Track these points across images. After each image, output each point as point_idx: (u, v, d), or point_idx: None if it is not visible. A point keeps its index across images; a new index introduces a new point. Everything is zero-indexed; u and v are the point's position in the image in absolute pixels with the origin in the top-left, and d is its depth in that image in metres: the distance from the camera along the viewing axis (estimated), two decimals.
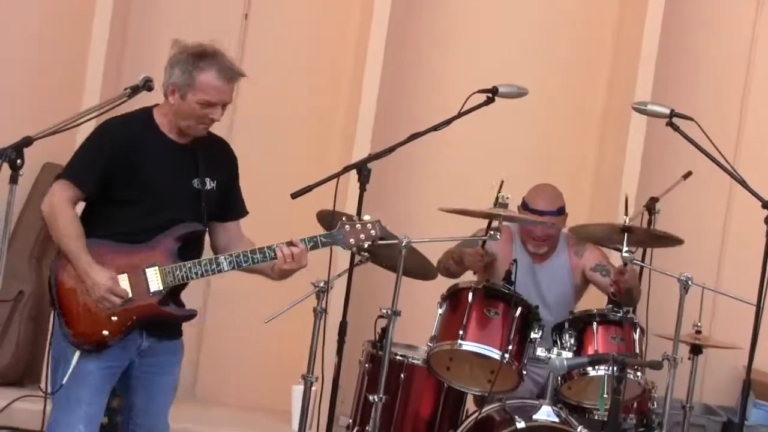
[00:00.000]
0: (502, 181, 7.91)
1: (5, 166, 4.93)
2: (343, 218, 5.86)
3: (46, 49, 9.57)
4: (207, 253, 5.95)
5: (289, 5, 10.06)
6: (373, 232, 5.82)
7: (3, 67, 9.47)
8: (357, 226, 5.80)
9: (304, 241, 5.67)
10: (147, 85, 5.41)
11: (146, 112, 5.71)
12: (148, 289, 5.59)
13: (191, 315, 5.81)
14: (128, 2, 9.54)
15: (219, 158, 5.95)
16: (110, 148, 5.58)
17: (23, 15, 9.58)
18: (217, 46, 5.74)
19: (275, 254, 5.64)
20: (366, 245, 5.96)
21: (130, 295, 5.54)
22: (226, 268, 5.64)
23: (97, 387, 5.71)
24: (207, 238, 6.06)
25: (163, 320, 5.73)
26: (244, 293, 9.07)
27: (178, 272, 5.60)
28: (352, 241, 5.80)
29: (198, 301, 9.51)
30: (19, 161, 4.99)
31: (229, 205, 5.96)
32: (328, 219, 7.54)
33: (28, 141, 5.12)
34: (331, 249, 7.35)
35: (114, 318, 5.59)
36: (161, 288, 5.59)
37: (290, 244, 5.63)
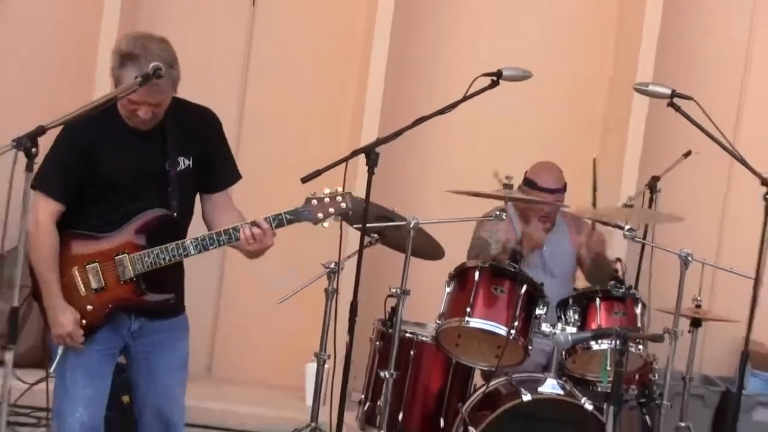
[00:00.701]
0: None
1: (21, 154, 5.01)
2: (310, 193, 5.72)
3: (58, 40, 9.59)
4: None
5: None
6: (343, 204, 5.73)
7: (16, 59, 9.48)
8: (325, 200, 5.68)
9: (268, 220, 5.56)
10: (157, 73, 5.32)
11: (113, 105, 5.52)
12: (119, 277, 5.60)
13: (166, 300, 5.74)
14: None
15: (193, 132, 5.84)
16: (73, 153, 5.56)
17: (35, 7, 9.64)
18: (153, 44, 5.52)
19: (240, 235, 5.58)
20: (336, 219, 5.78)
21: (82, 342, 5.57)
22: (192, 252, 5.59)
23: (91, 370, 5.75)
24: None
25: (149, 306, 5.74)
26: (258, 275, 9.11)
27: (146, 259, 5.57)
28: (320, 215, 5.68)
29: (213, 284, 9.66)
30: (33, 150, 4.96)
31: (209, 175, 5.89)
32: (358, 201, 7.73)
33: (41, 130, 5.13)
34: (341, 231, 7.49)
35: (90, 307, 5.63)
36: (132, 275, 5.59)
37: (254, 224, 5.55)
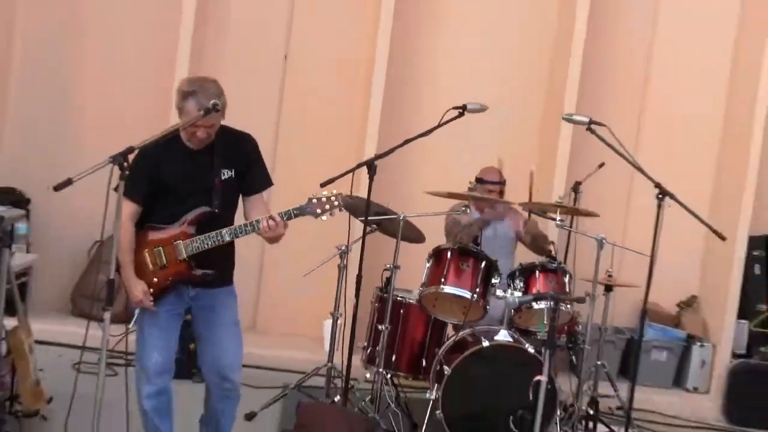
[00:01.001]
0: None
1: (116, 168, 5.03)
2: (312, 194, 5.64)
3: (142, 81, 9.49)
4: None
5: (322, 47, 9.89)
6: (336, 202, 5.61)
7: (114, 97, 9.48)
8: (323, 199, 5.58)
9: (281, 215, 5.48)
10: (215, 107, 5.39)
11: (176, 131, 5.59)
12: (177, 257, 5.59)
13: (207, 275, 5.66)
14: (202, 45, 9.37)
15: (236, 152, 5.78)
16: (145, 170, 5.52)
17: (123, 57, 9.57)
18: (207, 83, 5.59)
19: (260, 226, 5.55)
20: (333, 213, 5.66)
21: (152, 306, 5.60)
22: (227, 238, 5.55)
23: (161, 326, 5.74)
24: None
25: (199, 277, 5.69)
26: (289, 255, 8.99)
27: (194, 244, 5.55)
28: (318, 210, 5.57)
29: (257, 262, 9.57)
30: (125, 164, 5.08)
31: (248, 184, 5.78)
32: (348, 204, 7.73)
33: (130, 149, 5.08)
34: (349, 223, 7.49)
35: (155, 280, 5.62)
36: (185, 256, 5.58)
37: (270, 218, 5.48)
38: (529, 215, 7.98)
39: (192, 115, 5.44)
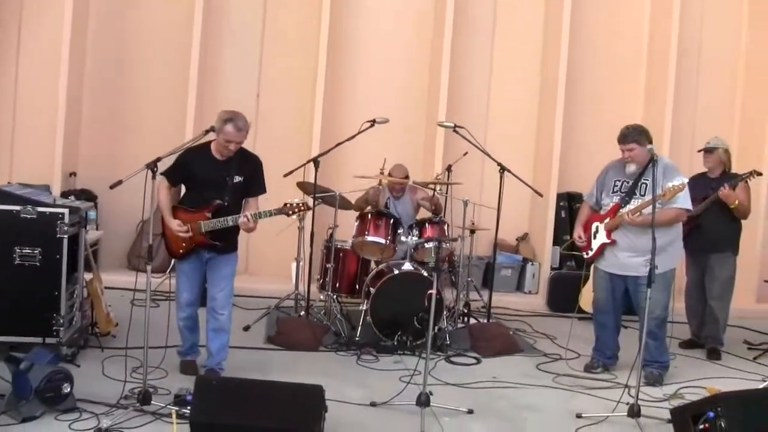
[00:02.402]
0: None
1: (149, 172, 4.99)
2: (287, 201, 5.66)
3: (162, 105, 9.20)
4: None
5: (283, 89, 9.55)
6: (303, 206, 5.63)
7: (144, 118, 9.25)
8: (288, 204, 5.60)
9: (253, 215, 5.51)
10: (212, 129, 5.42)
11: (207, 143, 5.60)
12: (198, 231, 5.53)
13: (217, 245, 5.61)
14: (202, 90, 9.04)
15: (245, 165, 5.67)
16: (182, 163, 5.54)
17: (155, 87, 9.26)
18: (239, 114, 5.57)
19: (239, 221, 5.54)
20: (299, 214, 5.76)
21: (188, 232, 5.54)
22: (231, 223, 5.51)
23: (188, 275, 5.72)
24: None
25: (211, 245, 5.62)
26: (267, 221, 8.79)
27: (210, 224, 5.52)
28: (290, 212, 5.60)
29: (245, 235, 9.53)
30: (155, 169, 4.98)
31: (250, 189, 5.69)
32: (303, 185, 7.68)
33: (159, 159, 5.06)
34: (303, 199, 7.40)
35: (184, 244, 5.60)
36: (203, 231, 5.53)
37: (245, 216, 5.49)
38: (434, 194, 7.86)
39: (229, 134, 5.48)
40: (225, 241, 5.70)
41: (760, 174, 7.27)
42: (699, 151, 7.48)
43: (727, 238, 7.23)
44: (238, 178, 5.65)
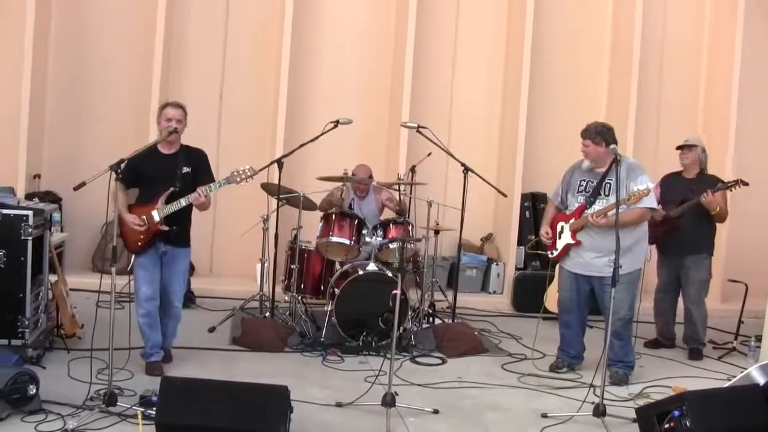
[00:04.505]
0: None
1: (113, 174, 5.04)
2: (234, 169, 5.86)
3: (125, 109, 9.18)
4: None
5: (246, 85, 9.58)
6: (249, 172, 5.80)
7: (107, 123, 9.21)
8: (236, 171, 5.80)
9: (204, 189, 5.74)
10: (175, 130, 5.82)
11: (154, 145, 5.81)
12: (154, 221, 5.75)
13: (173, 230, 5.81)
14: (167, 89, 9.00)
15: (192, 158, 5.97)
16: (132, 164, 5.47)
17: (117, 95, 9.23)
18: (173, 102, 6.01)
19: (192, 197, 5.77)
20: (248, 179, 5.89)
21: (143, 225, 5.75)
22: (184, 203, 5.74)
23: (147, 268, 5.88)
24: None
25: (168, 235, 5.84)
26: (232, 222, 8.88)
27: (165, 210, 5.74)
28: (238, 179, 5.79)
29: (209, 228, 9.23)
30: (119, 171, 5.01)
31: (199, 178, 5.88)
32: (267, 187, 7.70)
33: (123, 160, 5.07)
34: (268, 200, 7.49)
35: (141, 236, 5.80)
36: (158, 219, 5.75)
37: (197, 191, 5.73)
38: (400, 199, 7.94)
39: (169, 112, 5.84)
40: (180, 226, 5.91)
41: (746, 184, 7.16)
42: (677, 148, 7.49)
43: (703, 239, 7.28)
44: (186, 169, 5.90)
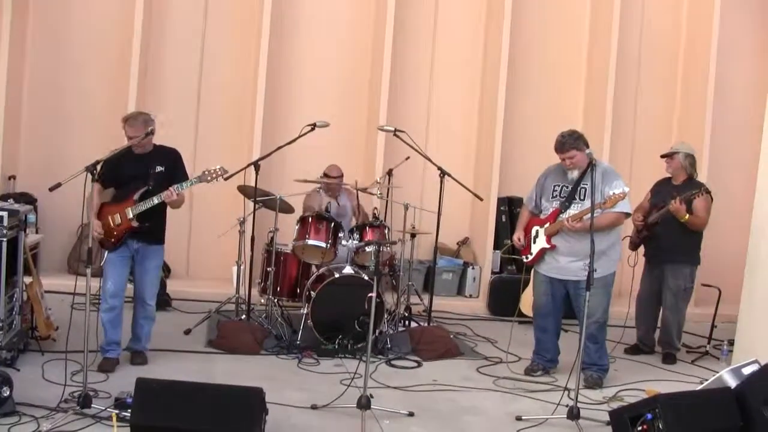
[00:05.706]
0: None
1: (89, 175, 5.04)
2: (204, 169, 6.01)
3: (100, 109, 9.10)
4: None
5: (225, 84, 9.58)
6: (220, 171, 5.97)
7: (84, 122, 9.18)
8: (207, 170, 5.96)
9: (175, 187, 5.88)
10: (151, 132, 5.92)
11: (128, 145, 5.89)
12: (127, 217, 5.90)
13: (145, 226, 5.95)
14: (144, 92, 9.02)
15: (165, 157, 6.11)
16: (107, 164, 5.67)
17: (93, 95, 9.17)
18: (132, 113, 6.16)
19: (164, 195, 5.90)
20: (218, 179, 6.03)
21: (101, 234, 5.90)
22: (156, 201, 5.87)
23: (115, 265, 6.01)
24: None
25: (141, 231, 5.97)
26: (208, 224, 8.93)
27: (138, 207, 5.89)
28: (209, 178, 5.96)
29: (185, 228, 9.21)
30: (95, 172, 5.01)
31: (173, 177, 6.01)
32: (244, 189, 7.71)
33: (99, 161, 5.09)
34: (244, 203, 7.50)
35: (115, 233, 5.95)
36: (132, 216, 5.90)
37: (169, 189, 5.86)
38: (359, 206, 7.97)
39: (128, 132, 5.92)
40: (152, 223, 6.04)
41: (708, 192, 7.18)
42: (662, 156, 7.55)
43: (681, 249, 7.29)
44: (159, 168, 6.05)
